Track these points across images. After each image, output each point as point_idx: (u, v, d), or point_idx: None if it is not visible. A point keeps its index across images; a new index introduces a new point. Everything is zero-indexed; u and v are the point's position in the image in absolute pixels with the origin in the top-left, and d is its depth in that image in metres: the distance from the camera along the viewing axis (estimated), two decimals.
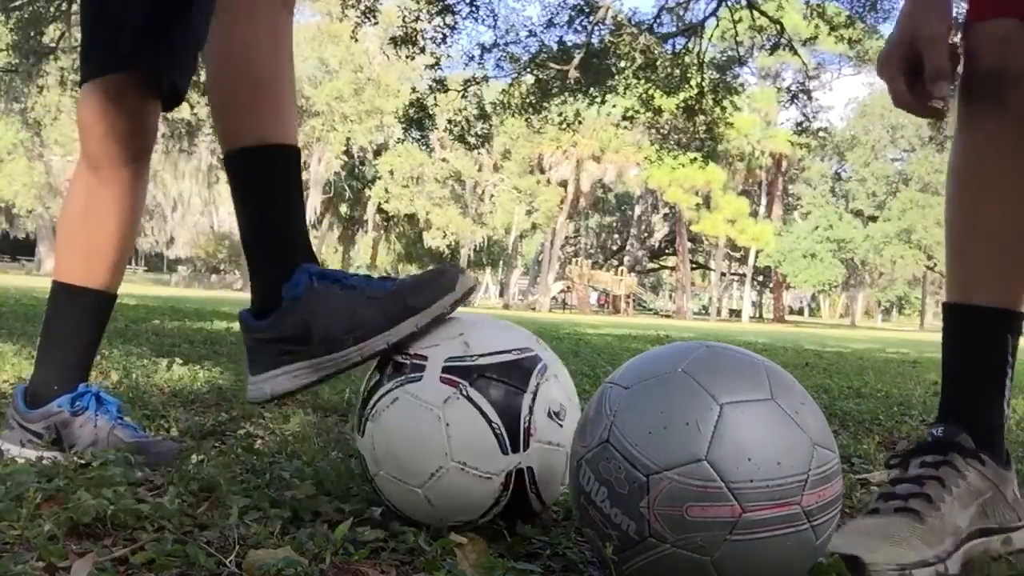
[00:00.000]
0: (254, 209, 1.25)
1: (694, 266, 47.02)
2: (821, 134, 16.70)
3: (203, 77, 1.30)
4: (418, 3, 11.65)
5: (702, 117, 13.01)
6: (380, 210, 40.42)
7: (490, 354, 1.09)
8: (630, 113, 13.13)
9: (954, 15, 1.16)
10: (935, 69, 1.10)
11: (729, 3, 12.02)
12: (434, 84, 12.73)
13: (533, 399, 1.07)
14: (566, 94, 12.74)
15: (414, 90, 14.20)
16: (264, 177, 1.24)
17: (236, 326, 6.02)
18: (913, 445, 1.22)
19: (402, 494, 1.07)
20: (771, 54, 16.05)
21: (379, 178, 38.83)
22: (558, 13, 12.60)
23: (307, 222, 1.30)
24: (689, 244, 43.06)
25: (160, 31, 1.44)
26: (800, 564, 0.89)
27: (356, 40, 12.64)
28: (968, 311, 1.21)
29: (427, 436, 1.05)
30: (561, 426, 1.09)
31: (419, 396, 1.06)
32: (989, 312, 1.20)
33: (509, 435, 1.05)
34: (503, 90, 13.44)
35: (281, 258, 1.22)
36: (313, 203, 39.31)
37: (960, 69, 1.19)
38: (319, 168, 38.01)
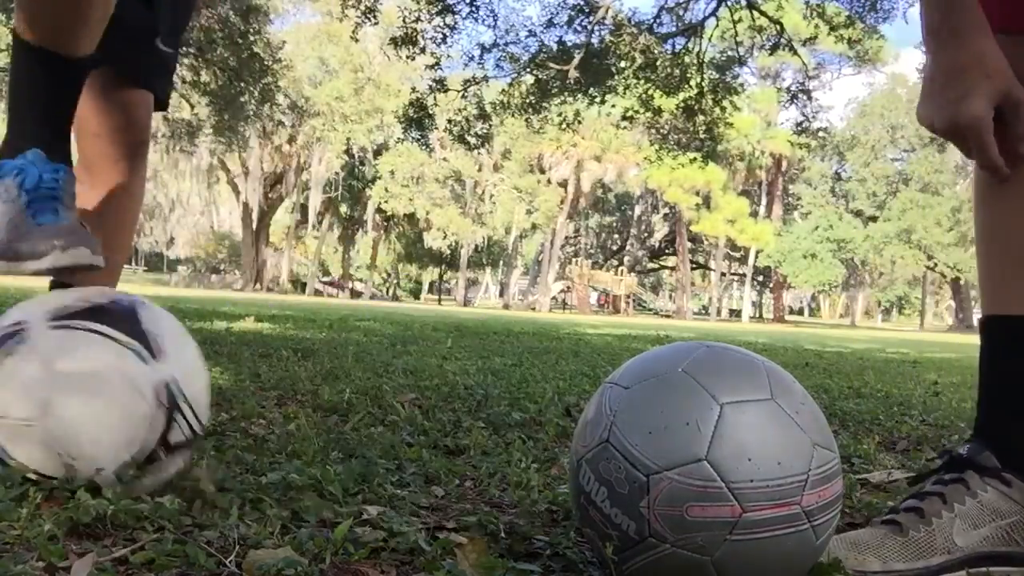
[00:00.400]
0: (31, 79, 1.25)
1: (694, 266, 47.04)
2: (821, 134, 16.72)
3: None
4: (418, 3, 11.67)
5: (702, 117, 13.05)
6: (380, 210, 40.45)
7: (88, 303, 1.13)
8: (630, 113, 13.16)
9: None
10: None
11: (729, 3, 12.04)
12: (434, 84, 12.77)
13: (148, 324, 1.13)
14: (566, 94, 12.77)
15: (414, 90, 14.24)
16: (48, 74, 1.24)
17: (236, 326, 5.95)
18: (931, 457, 1.18)
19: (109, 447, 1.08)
20: (771, 54, 16.07)
21: (379, 178, 38.84)
22: (558, 13, 12.64)
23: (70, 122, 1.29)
24: (689, 244, 43.10)
25: (122, 28, 1.42)
26: (800, 564, 0.89)
27: (356, 40, 12.65)
28: (1003, 322, 1.16)
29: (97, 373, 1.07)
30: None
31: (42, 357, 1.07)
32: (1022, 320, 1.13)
33: (142, 345, 1.10)
34: (503, 90, 13.46)
35: (34, 134, 1.23)
36: (313, 203, 39.35)
37: None
38: (319, 168, 38.04)
